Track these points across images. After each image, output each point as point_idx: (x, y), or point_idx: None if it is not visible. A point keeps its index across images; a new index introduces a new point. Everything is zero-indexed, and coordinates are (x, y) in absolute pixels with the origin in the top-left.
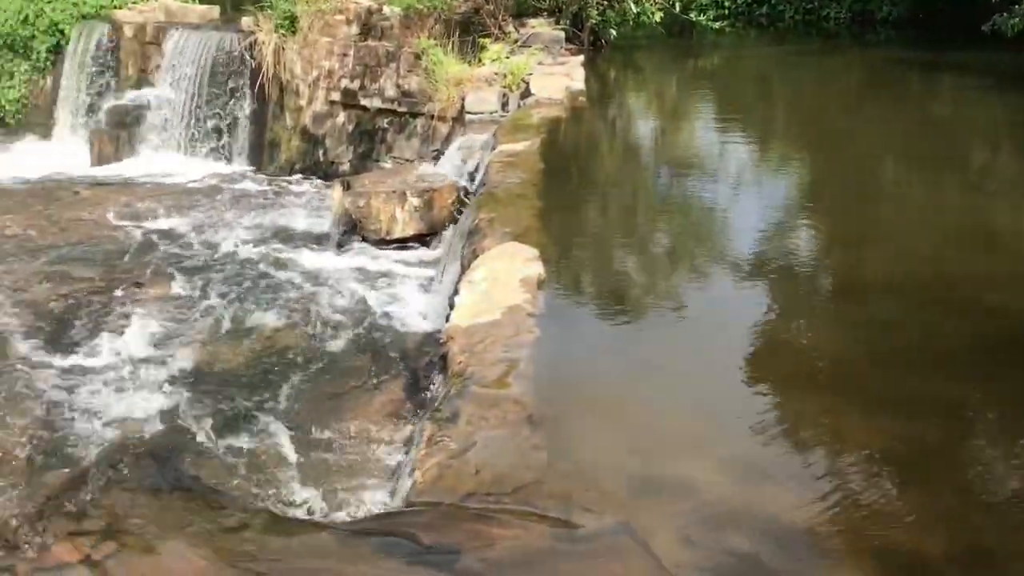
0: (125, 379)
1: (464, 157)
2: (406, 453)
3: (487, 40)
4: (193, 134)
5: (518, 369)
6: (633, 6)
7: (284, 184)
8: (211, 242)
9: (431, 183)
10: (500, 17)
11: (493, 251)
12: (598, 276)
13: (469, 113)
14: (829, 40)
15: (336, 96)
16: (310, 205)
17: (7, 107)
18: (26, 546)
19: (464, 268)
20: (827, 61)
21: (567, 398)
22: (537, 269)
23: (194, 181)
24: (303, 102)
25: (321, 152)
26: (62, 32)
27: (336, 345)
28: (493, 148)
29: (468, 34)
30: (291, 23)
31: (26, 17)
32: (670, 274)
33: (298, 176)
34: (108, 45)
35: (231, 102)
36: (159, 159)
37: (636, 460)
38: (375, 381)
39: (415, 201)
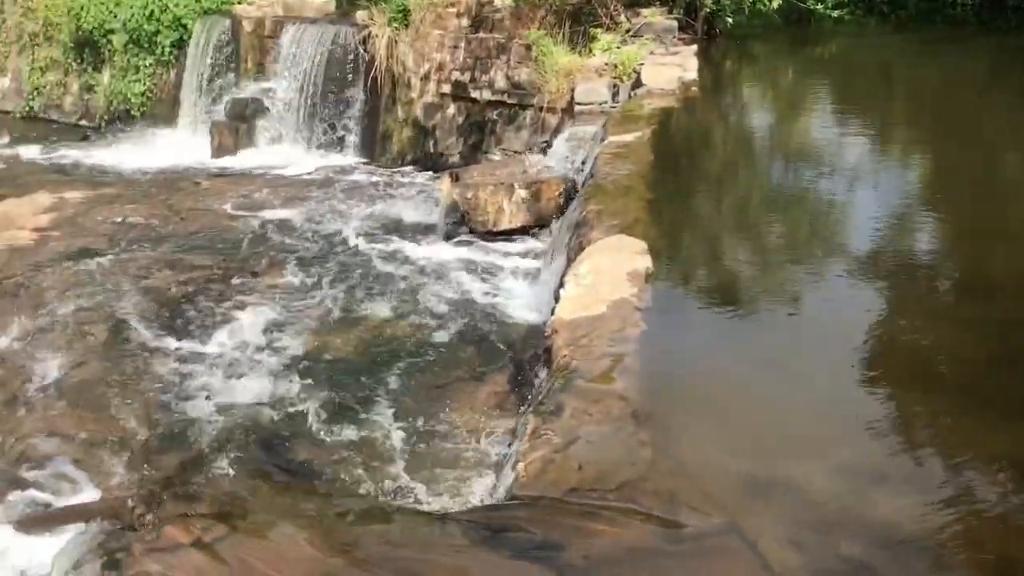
0: (239, 365)
1: (572, 149)
2: (510, 446)
3: (598, 30)
4: (308, 126)
5: (623, 364)
6: None
7: (395, 176)
8: (323, 232)
9: (539, 175)
10: (612, 7)
11: (600, 244)
12: (708, 270)
13: (579, 104)
14: (955, 27)
15: (447, 88)
16: (420, 196)
17: (133, 100)
18: (141, 527)
19: (570, 261)
20: (952, 49)
21: (674, 394)
22: (645, 262)
23: (308, 172)
24: (414, 94)
25: (431, 144)
26: (185, 27)
27: (443, 336)
28: (602, 139)
29: (579, 24)
30: (404, 16)
31: (151, 12)
32: (784, 269)
33: (409, 168)
34: (228, 39)
35: (345, 95)
36: (275, 151)
37: (745, 459)
38: (480, 372)
39: (522, 193)
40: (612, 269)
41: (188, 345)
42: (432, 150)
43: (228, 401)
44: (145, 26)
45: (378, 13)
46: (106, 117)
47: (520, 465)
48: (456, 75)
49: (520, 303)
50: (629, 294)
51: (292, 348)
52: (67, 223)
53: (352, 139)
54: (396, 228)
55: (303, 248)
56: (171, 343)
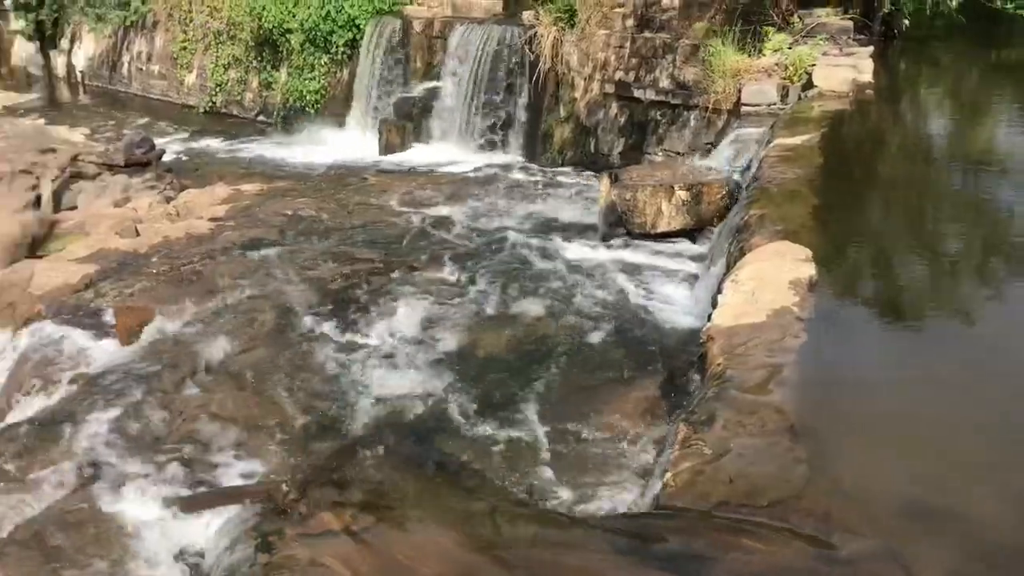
0: (395, 357)
1: (737, 151)
2: (658, 454)
3: (770, 30)
4: (472, 125)
5: (781, 375)
6: None
7: (555, 175)
8: (483, 230)
9: (700, 177)
10: (784, 6)
11: (762, 250)
12: (877, 281)
13: (746, 105)
14: None
15: (610, 88)
16: (578, 196)
17: (308, 97)
18: (294, 512)
19: (730, 266)
20: None
21: (834, 410)
22: (808, 271)
23: (471, 170)
24: (577, 94)
25: (592, 143)
26: (358, 27)
27: (595, 337)
28: (769, 142)
29: (749, 24)
30: (570, 16)
31: (327, 13)
32: (959, 282)
33: (568, 167)
34: (399, 39)
35: (509, 94)
36: (440, 148)
37: (908, 481)
38: (631, 376)
39: (682, 195)
40: (773, 276)
41: (348, 336)
42: (593, 150)
43: (382, 392)
44: (321, 26)
45: (544, 13)
46: (282, 113)
47: (668, 474)
48: (620, 75)
49: (676, 307)
50: (790, 303)
51: (446, 343)
52: (241, 214)
53: (514, 137)
54: (554, 227)
55: (462, 244)
56: (332, 333)
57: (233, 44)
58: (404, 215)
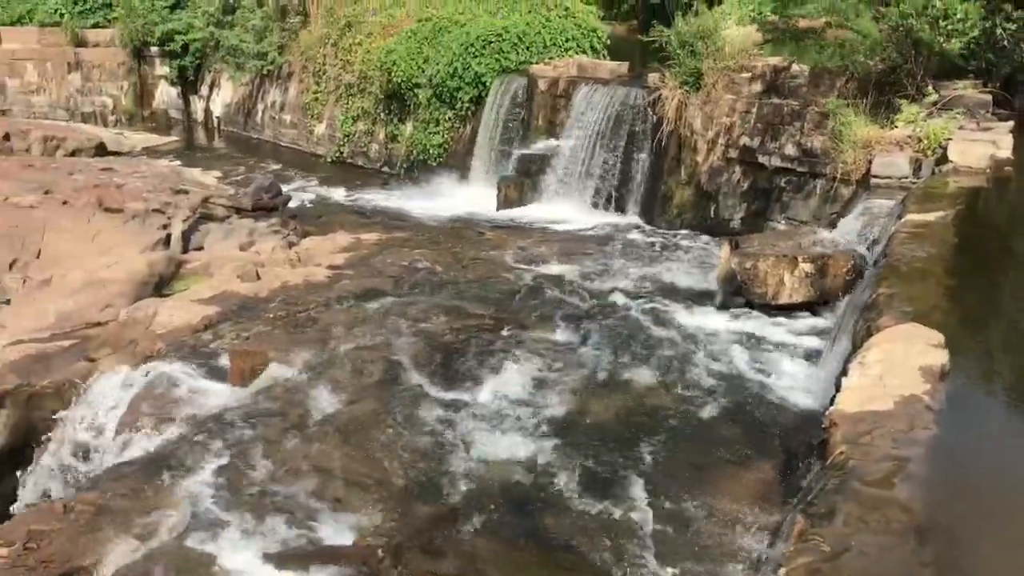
0: (500, 419)
1: (865, 224)
2: (771, 545)
3: (903, 101)
4: (589, 184)
5: (908, 469)
6: None
7: (672, 238)
8: (596, 291)
9: (826, 249)
10: (920, 78)
11: (890, 331)
12: (1014, 372)
13: (875, 177)
14: None
15: (733, 153)
16: (695, 261)
17: (431, 151)
18: None
19: (856, 347)
20: None
21: (968, 509)
22: (940, 357)
23: (586, 229)
24: (699, 157)
25: (713, 208)
26: (484, 84)
27: (709, 411)
28: (899, 217)
29: (882, 94)
30: (696, 79)
31: (455, 70)
32: None
33: (686, 230)
34: (522, 97)
35: (629, 155)
36: (556, 206)
37: None
38: (745, 457)
39: (806, 267)
40: (903, 361)
41: (455, 393)
42: (713, 214)
43: (485, 455)
44: (448, 82)
45: (670, 76)
46: (405, 165)
47: (782, 570)
48: (744, 140)
49: (795, 385)
50: (920, 391)
51: (553, 408)
52: (359, 263)
53: (631, 198)
54: (668, 292)
55: (573, 305)
56: (439, 389)
57: (363, 97)
58: (516, 271)
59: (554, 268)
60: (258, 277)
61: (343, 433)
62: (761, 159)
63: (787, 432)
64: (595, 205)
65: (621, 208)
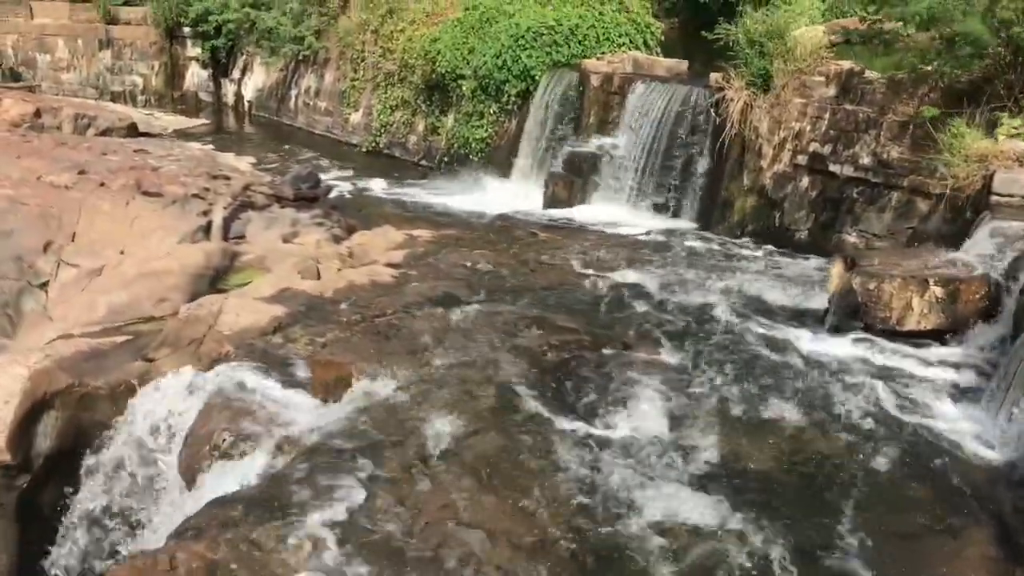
0: (650, 464)
1: (999, 246)
2: None
3: (1004, 114)
4: (645, 186)
5: None
6: None
7: (734, 247)
8: (683, 305)
9: (956, 271)
10: (1019, 89)
11: None
12: None
13: (996, 195)
14: None
15: (802, 159)
16: (775, 274)
17: (473, 144)
18: None
19: None
20: None
21: None
22: None
23: (641, 233)
24: (764, 163)
25: (777, 216)
26: (533, 78)
27: (881, 463)
28: None
29: (975, 105)
30: (764, 81)
31: (503, 62)
32: None
33: (747, 239)
34: (574, 93)
35: (688, 157)
36: (607, 208)
37: None
38: (953, 524)
39: (937, 290)
40: None
41: (585, 427)
42: (777, 223)
43: (655, 512)
44: (495, 74)
45: (736, 76)
46: (445, 159)
47: None
48: (815, 146)
49: (965, 431)
50: None
51: (703, 450)
52: (419, 262)
53: (688, 203)
54: (764, 309)
55: (666, 321)
56: (566, 421)
57: (403, 86)
58: (588, 278)
59: (627, 276)
60: (318, 275)
61: (476, 473)
62: (832, 167)
63: (984, 493)
64: (649, 207)
65: (676, 213)
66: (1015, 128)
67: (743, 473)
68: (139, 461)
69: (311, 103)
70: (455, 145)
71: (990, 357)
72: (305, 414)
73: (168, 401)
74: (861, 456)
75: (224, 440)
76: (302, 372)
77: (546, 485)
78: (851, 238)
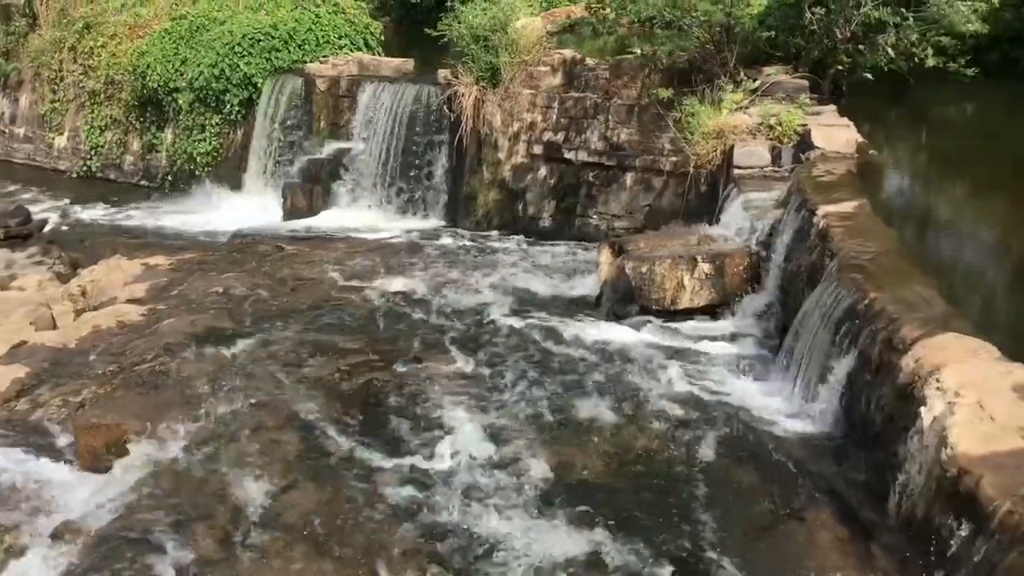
0: (490, 493)
1: (755, 218)
2: None
3: (727, 89)
4: (387, 188)
5: None
6: (890, 49)
7: (485, 241)
8: (458, 308)
9: (719, 247)
10: (732, 65)
11: (941, 347)
12: None
13: (738, 168)
14: None
15: (538, 149)
16: (527, 264)
17: (198, 159)
18: None
19: (874, 363)
20: None
21: None
22: (1021, 373)
23: (392, 236)
24: (502, 155)
25: (520, 207)
26: (255, 85)
27: (706, 450)
28: (800, 209)
29: (689, 85)
30: (493, 75)
31: (221, 71)
32: None
33: (496, 232)
34: (300, 99)
35: (427, 156)
36: (352, 213)
37: None
38: (796, 509)
39: (706, 267)
40: (988, 383)
41: (409, 461)
42: (521, 214)
43: (524, 554)
44: (213, 85)
45: (464, 72)
46: (169, 177)
47: None
48: (548, 135)
49: (759, 402)
50: None
51: (532, 466)
52: (166, 295)
53: (434, 202)
54: (534, 302)
55: (448, 327)
56: (384, 458)
57: (111, 104)
58: (354, 291)
59: (393, 283)
60: (54, 323)
61: (304, 536)
62: (568, 155)
63: (813, 470)
64: (394, 210)
65: (423, 212)
66: (737, 102)
67: (580, 485)
68: None
69: (7, 130)
70: (178, 162)
71: (761, 325)
72: (79, 491)
73: None
74: (684, 447)
75: None
76: (63, 440)
77: (387, 538)
78: (593, 221)
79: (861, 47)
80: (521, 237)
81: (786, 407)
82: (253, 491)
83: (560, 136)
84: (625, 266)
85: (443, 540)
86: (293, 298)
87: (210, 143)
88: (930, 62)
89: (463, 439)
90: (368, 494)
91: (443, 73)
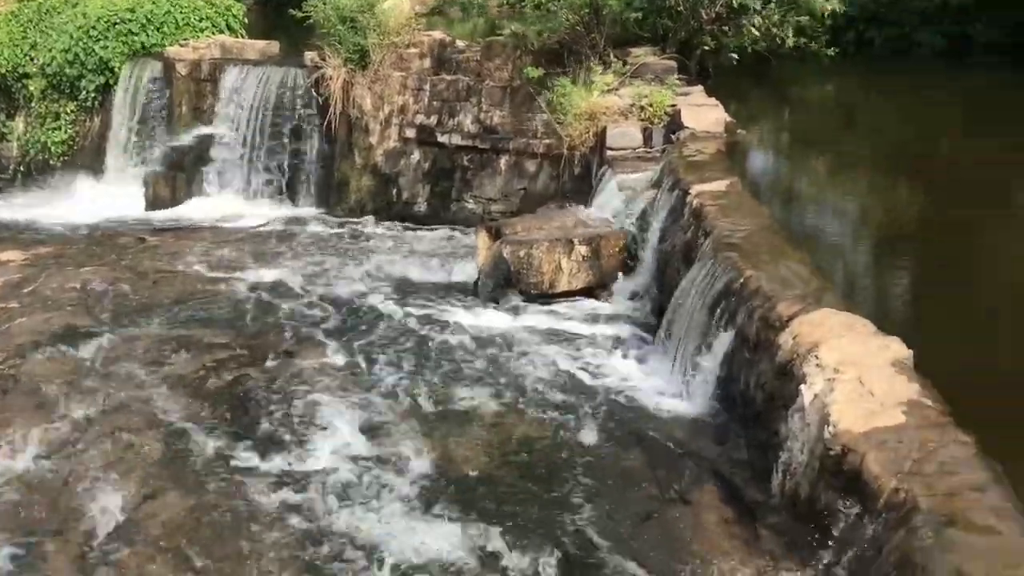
0: (369, 492)
1: (628, 199)
2: None
3: (597, 69)
4: (254, 175)
5: (987, 497)
6: (755, 30)
7: (357, 227)
8: (332, 297)
9: (595, 229)
10: (602, 47)
11: (819, 323)
12: (978, 348)
13: (611, 149)
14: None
15: (410, 133)
16: (403, 251)
17: (53, 149)
18: None
19: (752, 341)
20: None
21: None
22: (898, 347)
23: (262, 225)
24: (374, 140)
25: (394, 192)
26: (112, 70)
27: (589, 436)
28: (674, 189)
29: (559, 66)
30: (362, 57)
31: (75, 56)
32: None
33: (369, 218)
34: (160, 83)
35: (296, 141)
36: (219, 202)
37: None
38: (681, 491)
39: (583, 250)
40: (866, 359)
41: (282, 462)
42: (395, 199)
43: (400, 555)
44: (67, 70)
45: (332, 54)
46: (21, 168)
47: None
48: (421, 119)
49: (639, 383)
50: (915, 393)
51: (413, 461)
52: (18, 292)
53: (304, 188)
54: (411, 289)
55: (321, 318)
56: (259, 460)
57: None
58: (221, 282)
59: (262, 274)
60: None
61: (170, 549)
62: (441, 138)
63: (694, 450)
64: (263, 197)
65: (294, 199)
66: (608, 84)
67: (463, 480)
68: None
69: None
70: (31, 152)
71: (639, 306)
72: None
73: None
74: (567, 432)
75: None
76: None
77: (259, 547)
78: (469, 205)
79: (726, 28)
80: (396, 223)
81: (666, 387)
82: (111, 502)
83: (433, 119)
84: (503, 250)
85: (319, 545)
86: (155, 292)
87: (66, 131)
88: (790, 42)
89: (339, 436)
90: (238, 499)
91: (310, 55)
